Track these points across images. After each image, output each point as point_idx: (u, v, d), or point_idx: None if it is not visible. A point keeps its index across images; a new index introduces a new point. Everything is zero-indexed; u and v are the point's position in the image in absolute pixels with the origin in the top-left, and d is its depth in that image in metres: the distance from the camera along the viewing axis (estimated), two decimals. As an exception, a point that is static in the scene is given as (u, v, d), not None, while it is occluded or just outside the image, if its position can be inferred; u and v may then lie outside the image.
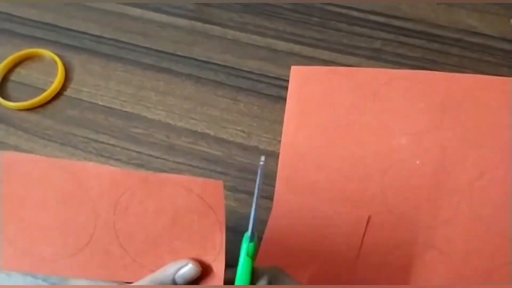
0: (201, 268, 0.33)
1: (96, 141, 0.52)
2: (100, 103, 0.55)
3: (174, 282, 0.33)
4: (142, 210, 0.33)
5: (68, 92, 0.56)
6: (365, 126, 0.50)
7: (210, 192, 0.33)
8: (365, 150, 0.48)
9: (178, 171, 0.49)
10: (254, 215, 0.32)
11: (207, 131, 0.52)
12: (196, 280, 0.33)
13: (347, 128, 0.50)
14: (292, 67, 0.53)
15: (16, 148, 0.52)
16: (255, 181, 0.47)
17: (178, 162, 0.50)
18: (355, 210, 0.46)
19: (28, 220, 0.34)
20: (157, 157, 0.50)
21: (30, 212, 0.34)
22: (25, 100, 0.54)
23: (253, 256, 0.32)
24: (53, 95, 0.55)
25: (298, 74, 0.53)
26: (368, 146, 0.49)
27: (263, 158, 0.31)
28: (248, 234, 0.32)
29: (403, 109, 0.50)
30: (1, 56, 0.58)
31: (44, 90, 0.55)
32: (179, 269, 0.32)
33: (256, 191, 0.32)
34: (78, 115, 0.54)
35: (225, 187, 0.47)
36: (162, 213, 0.33)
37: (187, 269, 0.33)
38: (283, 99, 0.54)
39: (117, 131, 0.52)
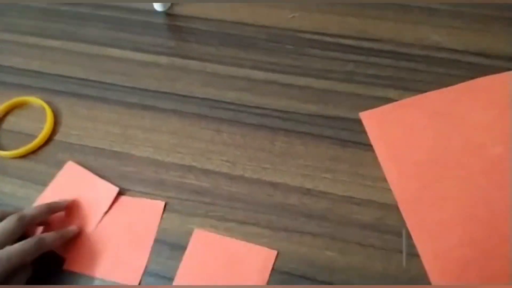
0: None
1: (88, 182, 0.54)
2: (89, 144, 0.57)
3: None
4: None
5: (58, 137, 0.58)
6: (458, 148, 0.52)
7: None
8: (471, 171, 0.51)
9: (169, 205, 0.52)
10: None
11: (194, 163, 0.55)
12: None
13: (444, 156, 0.52)
14: (360, 114, 0.56)
15: (12, 196, 0.54)
16: (242, 209, 0.51)
17: (168, 197, 0.52)
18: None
19: None
20: (148, 193, 0.53)
21: None
22: (17, 147, 0.57)
23: None
24: (44, 141, 0.57)
25: (369, 119, 0.56)
26: (472, 167, 0.51)
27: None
28: None
29: (483, 120, 0.54)
30: (-9, 106, 0.60)
31: (35, 137, 0.57)
32: None
33: None
34: (69, 157, 0.56)
35: (214, 217, 0.51)
36: None
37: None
38: (264, 127, 0.57)
39: (107, 171, 0.55)
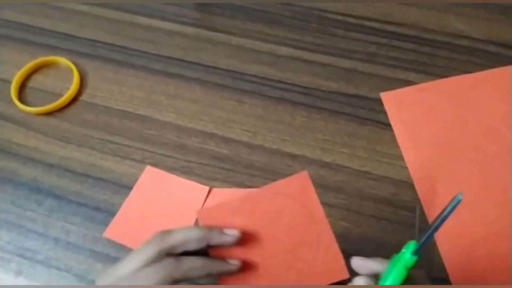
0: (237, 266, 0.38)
1: (112, 142, 0.55)
2: (115, 107, 0.58)
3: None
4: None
5: (84, 97, 0.59)
6: (475, 132, 0.54)
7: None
8: (485, 154, 0.52)
9: (189, 169, 0.53)
10: (433, 232, 0.32)
11: (215, 131, 0.56)
12: None
13: (461, 139, 0.53)
14: (382, 94, 0.57)
15: (36, 150, 0.55)
16: (261, 177, 0.52)
17: (189, 161, 0.54)
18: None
19: None
20: (169, 156, 0.54)
21: None
22: (43, 105, 0.58)
23: (410, 268, 0.32)
24: (69, 100, 0.59)
25: (390, 99, 0.57)
26: (487, 151, 0.52)
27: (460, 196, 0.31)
28: (414, 244, 0.32)
29: (500, 108, 0.55)
30: (19, 63, 0.61)
31: (61, 96, 0.59)
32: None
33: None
34: (94, 118, 0.57)
35: (233, 182, 0.52)
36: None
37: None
38: (285, 100, 0.58)
39: (131, 133, 0.56)
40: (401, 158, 0.53)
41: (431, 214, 0.49)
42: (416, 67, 0.60)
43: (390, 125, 0.55)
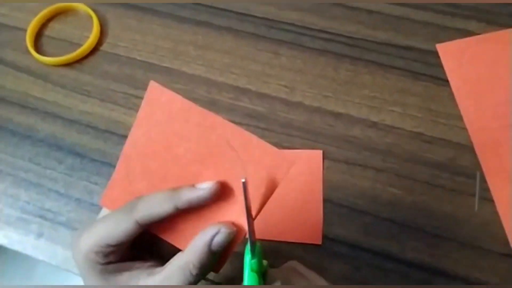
0: (235, 229, 0.30)
1: (136, 96, 0.51)
2: (138, 58, 0.53)
3: (212, 252, 0.29)
4: None
5: (105, 47, 0.54)
6: None
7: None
8: None
9: (221, 127, 0.48)
10: (249, 229, 0.29)
11: (249, 86, 0.51)
12: None
13: None
14: (437, 45, 0.51)
15: (55, 104, 0.51)
16: (299, 138, 0.47)
17: (220, 118, 0.49)
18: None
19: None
20: (199, 113, 0.49)
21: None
22: (61, 55, 0.53)
23: (259, 270, 0.30)
24: (89, 50, 0.54)
25: (447, 51, 0.50)
26: None
27: (243, 179, 0.27)
28: (248, 248, 0.29)
29: None
30: (34, 10, 0.56)
31: (80, 45, 0.53)
32: (212, 237, 0.29)
33: (245, 205, 0.28)
34: (116, 70, 0.52)
35: (269, 143, 0.47)
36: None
37: (221, 235, 0.29)
38: (328, 52, 0.52)
39: (156, 87, 0.51)
40: (459, 118, 0.47)
41: (493, 182, 0.43)
42: (477, 15, 0.52)
43: (447, 81, 0.49)
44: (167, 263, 0.30)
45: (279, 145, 0.47)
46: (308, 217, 0.43)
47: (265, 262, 0.33)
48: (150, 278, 0.30)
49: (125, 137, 0.48)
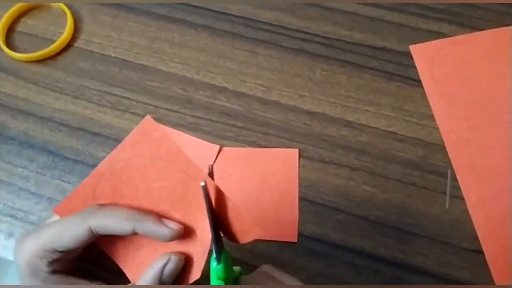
0: (183, 257, 0.30)
1: (110, 94, 0.50)
2: (113, 55, 0.52)
3: (165, 281, 0.29)
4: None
5: (79, 44, 0.53)
6: None
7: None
8: None
9: (197, 125, 0.48)
10: (214, 238, 0.29)
11: (226, 84, 0.50)
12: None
13: (498, 99, 0.48)
14: (411, 46, 0.51)
15: (26, 101, 0.50)
16: (276, 136, 0.47)
17: (196, 116, 0.49)
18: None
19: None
20: (175, 111, 0.49)
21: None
22: (33, 51, 0.52)
23: (226, 277, 0.29)
24: (62, 46, 0.53)
25: (420, 53, 0.51)
26: None
27: (203, 183, 0.28)
28: (213, 257, 0.29)
29: None
30: (6, 5, 0.55)
31: (53, 41, 0.52)
32: (162, 268, 0.29)
33: (207, 212, 0.28)
34: (90, 67, 0.52)
35: (245, 141, 0.47)
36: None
37: (172, 264, 0.29)
38: (304, 52, 0.52)
39: (132, 84, 0.50)
40: (431, 118, 0.48)
41: (464, 180, 0.44)
42: (449, 18, 0.53)
43: (420, 81, 0.50)
44: None
45: (256, 144, 0.47)
46: (284, 215, 0.43)
47: (237, 268, 0.32)
48: None
49: (98, 135, 0.48)
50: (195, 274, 0.31)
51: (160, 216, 0.30)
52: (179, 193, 0.30)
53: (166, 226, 0.29)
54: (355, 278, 0.40)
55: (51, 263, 0.28)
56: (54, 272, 0.29)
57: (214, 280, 0.29)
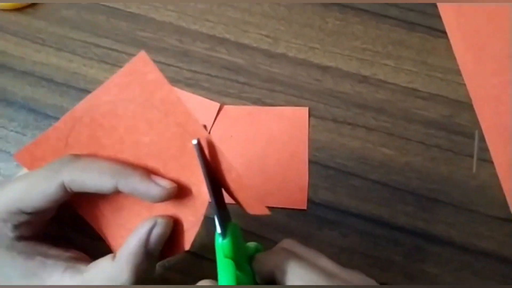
0: (171, 220, 0.26)
1: (97, 45, 0.45)
2: (100, 2, 0.47)
3: (149, 254, 0.25)
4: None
5: (61, -11, 0.47)
6: None
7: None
8: None
9: (194, 81, 0.43)
10: (215, 207, 0.24)
11: (227, 35, 0.45)
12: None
13: None
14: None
15: (4, 54, 0.44)
16: (283, 93, 0.42)
17: (194, 71, 0.43)
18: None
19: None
20: (170, 65, 0.44)
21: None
22: (11, -2, 0.46)
23: (236, 255, 0.24)
24: (43, -8, 0.47)
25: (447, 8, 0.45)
26: None
27: (194, 141, 0.23)
28: (217, 231, 0.24)
29: None
30: None
31: (33, -13, 0.47)
32: (148, 233, 0.24)
33: (204, 176, 0.24)
34: (75, 16, 0.46)
35: (249, 99, 0.42)
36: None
37: (158, 229, 0.25)
38: (315, -1, 0.46)
39: (121, 35, 0.45)
40: (457, 72, 0.43)
41: (493, 142, 0.40)
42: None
43: (445, 32, 0.44)
44: (93, 264, 0.25)
45: (260, 102, 0.42)
46: (292, 180, 0.39)
47: (253, 244, 0.27)
48: (67, 276, 0.24)
49: (84, 91, 0.43)
50: (183, 245, 0.26)
51: (148, 172, 0.25)
52: (173, 151, 0.25)
53: (156, 183, 0.24)
54: (372, 249, 0.36)
55: (16, 227, 0.24)
56: (21, 238, 0.24)
57: (221, 258, 0.24)
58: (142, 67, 0.25)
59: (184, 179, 0.26)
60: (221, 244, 0.24)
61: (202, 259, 0.35)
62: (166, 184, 0.24)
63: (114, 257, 0.24)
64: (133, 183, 0.24)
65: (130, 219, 0.26)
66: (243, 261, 0.25)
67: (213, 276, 0.25)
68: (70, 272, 0.24)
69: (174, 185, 0.25)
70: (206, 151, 0.24)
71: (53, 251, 0.25)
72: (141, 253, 0.24)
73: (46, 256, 0.25)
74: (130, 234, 0.24)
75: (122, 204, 0.26)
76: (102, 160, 0.25)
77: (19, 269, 0.24)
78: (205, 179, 0.24)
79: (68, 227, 0.29)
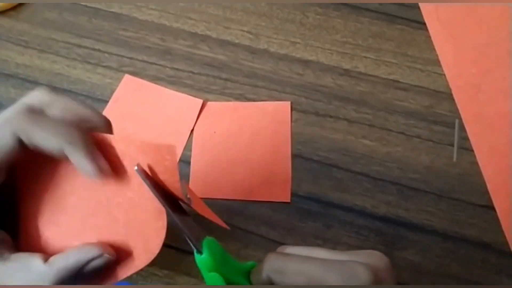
0: (115, 255, 0.24)
1: (79, 46, 0.45)
2: (82, 2, 0.47)
3: (82, 273, 0.23)
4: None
5: (43, -9, 0.48)
6: None
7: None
8: None
9: (177, 78, 0.43)
10: (182, 226, 0.24)
11: (208, 32, 0.45)
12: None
13: (510, 41, 0.43)
14: None
15: (-12, 57, 0.45)
16: (266, 88, 0.43)
17: (176, 69, 0.44)
18: None
19: None
20: (153, 63, 0.44)
21: None
22: (-7, 1, 0.46)
23: (216, 268, 0.24)
24: (25, -6, 0.47)
25: None
26: None
27: (135, 167, 0.23)
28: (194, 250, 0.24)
29: None
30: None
31: (15, -11, 0.47)
32: (92, 259, 0.23)
33: (158, 198, 0.23)
34: (57, 17, 0.46)
35: (231, 95, 0.43)
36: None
37: (100, 261, 0.23)
38: (295, -6, 0.47)
39: (103, 35, 0.45)
40: (437, 63, 0.43)
41: (473, 130, 0.40)
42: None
43: (424, 24, 0.45)
44: (22, 258, 0.23)
45: (243, 97, 0.42)
46: (276, 173, 0.39)
47: (249, 262, 0.26)
48: None
49: (68, 91, 0.43)
50: (117, 275, 0.24)
51: (99, 148, 0.23)
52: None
53: (94, 162, 0.22)
54: (355, 240, 0.37)
55: None
56: None
57: (206, 274, 0.24)
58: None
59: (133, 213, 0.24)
60: (201, 260, 0.24)
61: (188, 254, 0.36)
62: (104, 165, 0.23)
63: (44, 260, 0.23)
64: (78, 153, 0.22)
65: (67, 227, 0.25)
66: (234, 277, 0.25)
67: (199, 271, 0.25)
68: None
69: (109, 171, 0.23)
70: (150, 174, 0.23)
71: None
72: (73, 271, 0.23)
73: None
74: (73, 249, 0.23)
75: (65, 204, 0.25)
76: (60, 121, 0.23)
77: None
78: (159, 199, 0.23)
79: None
